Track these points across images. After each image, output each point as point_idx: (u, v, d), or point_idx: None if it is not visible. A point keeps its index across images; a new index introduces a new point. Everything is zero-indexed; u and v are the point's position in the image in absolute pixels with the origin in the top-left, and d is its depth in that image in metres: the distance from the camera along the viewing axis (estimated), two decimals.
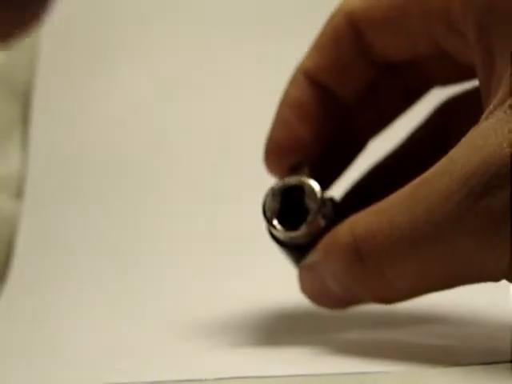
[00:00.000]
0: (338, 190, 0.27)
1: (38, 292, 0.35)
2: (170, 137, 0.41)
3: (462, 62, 0.23)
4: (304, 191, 0.23)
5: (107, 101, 0.43)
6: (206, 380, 0.21)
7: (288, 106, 0.25)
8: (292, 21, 0.44)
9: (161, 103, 0.42)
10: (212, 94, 0.42)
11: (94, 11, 0.45)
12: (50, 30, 0.44)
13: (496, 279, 0.20)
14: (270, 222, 0.23)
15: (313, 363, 0.22)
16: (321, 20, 0.25)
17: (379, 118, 0.26)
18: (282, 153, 0.25)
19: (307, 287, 0.23)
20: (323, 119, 0.25)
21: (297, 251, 0.24)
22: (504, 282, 0.20)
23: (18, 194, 0.40)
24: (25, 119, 0.43)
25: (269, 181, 0.26)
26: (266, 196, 0.24)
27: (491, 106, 0.20)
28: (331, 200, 0.24)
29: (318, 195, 0.23)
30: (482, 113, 0.20)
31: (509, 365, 0.20)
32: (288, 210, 0.23)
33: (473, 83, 0.24)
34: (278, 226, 0.23)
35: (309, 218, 0.23)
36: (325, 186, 0.25)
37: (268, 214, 0.23)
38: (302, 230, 0.23)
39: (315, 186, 0.23)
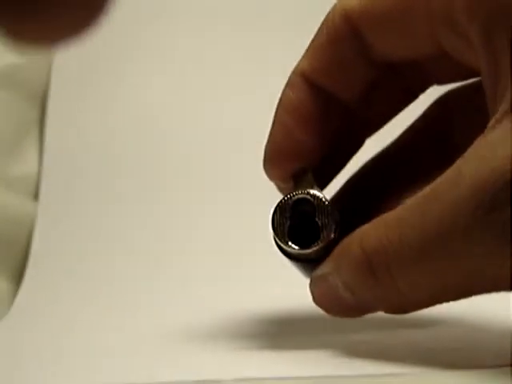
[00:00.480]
0: (332, 184, 0.27)
1: (52, 290, 0.35)
2: (183, 138, 0.42)
3: (463, 63, 0.22)
4: (313, 205, 0.23)
5: (121, 103, 0.43)
6: (223, 381, 0.21)
7: (286, 110, 0.24)
8: (291, 21, 0.43)
9: (174, 106, 0.43)
10: (219, 98, 0.42)
11: (110, 16, 0.45)
12: None
13: (509, 289, 0.19)
14: (282, 239, 0.23)
15: (323, 365, 0.22)
16: (319, 20, 0.24)
17: (377, 116, 0.26)
18: (281, 159, 0.25)
19: (319, 297, 0.23)
20: (322, 121, 0.24)
21: (308, 263, 0.24)
22: None
23: (36, 194, 0.41)
24: (42, 121, 0.43)
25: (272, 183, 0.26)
26: (275, 211, 0.23)
27: (498, 115, 0.19)
28: (335, 208, 0.24)
29: (328, 208, 0.23)
30: (485, 110, 0.20)
31: (509, 368, 0.19)
32: (297, 223, 0.23)
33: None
34: (293, 246, 0.23)
35: (322, 235, 0.22)
36: (323, 185, 0.25)
37: (278, 230, 0.23)
38: (317, 247, 0.23)
39: (324, 198, 0.23)
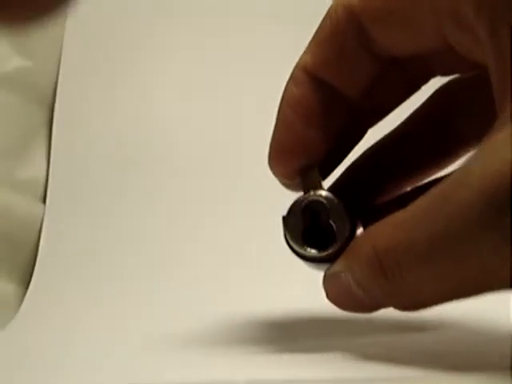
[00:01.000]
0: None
1: (60, 292, 0.35)
2: (190, 140, 0.42)
3: (469, 57, 0.22)
4: (326, 207, 0.23)
5: (127, 106, 0.43)
6: (234, 383, 0.21)
7: (289, 106, 0.24)
8: (292, 18, 0.43)
9: (182, 109, 0.43)
10: (223, 97, 0.42)
11: (116, 19, 0.45)
12: (73, 36, 0.45)
13: None
14: (297, 243, 0.23)
15: (331, 368, 0.22)
16: (321, 15, 0.24)
17: (380, 108, 0.26)
18: (286, 155, 0.25)
19: (333, 294, 0.23)
20: (326, 116, 0.24)
21: (321, 262, 0.24)
22: None
23: (44, 197, 0.41)
24: (50, 124, 0.43)
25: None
26: (288, 215, 0.23)
27: (506, 114, 0.19)
28: (346, 207, 0.24)
29: (342, 210, 0.23)
30: (488, 99, 0.20)
31: (508, 371, 0.19)
32: (309, 225, 0.23)
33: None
34: (310, 250, 0.23)
35: (338, 237, 0.23)
36: (325, 176, 0.25)
37: (293, 234, 0.23)
38: (334, 249, 0.23)
39: (336, 200, 0.23)
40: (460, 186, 0.19)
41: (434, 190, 0.20)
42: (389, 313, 0.22)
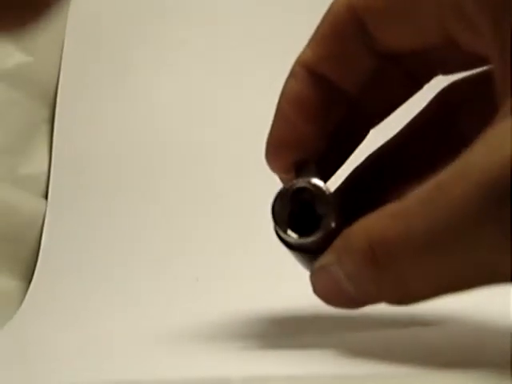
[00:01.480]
0: (338, 174, 0.26)
1: (62, 288, 0.35)
2: (191, 138, 0.42)
3: (472, 52, 0.22)
4: (313, 194, 0.22)
5: (129, 103, 0.43)
6: (231, 379, 0.21)
7: (288, 101, 0.24)
8: (293, 15, 0.43)
9: (184, 106, 0.43)
10: (224, 94, 0.42)
11: (118, 14, 0.45)
12: (75, 33, 0.45)
13: None
14: (281, 228, 0.23)
15: (328, 364, 0.22)
16: (322, 12, 0.24)
17: (381, 107, 0.26)
18: (283, 150, 0.25)
19: (320, 288, 0.22)
20: (325, 112, 0.24)
21: (308, 253, 0.23)
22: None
23: (46, 193, 0.41)
24: (52, 121, 0.43)
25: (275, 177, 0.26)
26: (275, 200, 0.23)
27: (506, 108, 0.19)
28: (336, 197, 0.23)
29: (329, 198, 0.22)
30: (491, 99, 0.20)
31: (508, 367, 0.19)
32: (297, 213, 0.23)
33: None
34: (292, 234, 0.23)
35: (322, 224, 0.22)
36: (326, 177, 0.25)
37: (278, 219, 0.23)
38: (316, 236, 0.22)
39: (325, 188, 0.22)
40: (459, 177, 0.19)
41: (431, 182, 0.20)
42: (386, 308, 0.22)
